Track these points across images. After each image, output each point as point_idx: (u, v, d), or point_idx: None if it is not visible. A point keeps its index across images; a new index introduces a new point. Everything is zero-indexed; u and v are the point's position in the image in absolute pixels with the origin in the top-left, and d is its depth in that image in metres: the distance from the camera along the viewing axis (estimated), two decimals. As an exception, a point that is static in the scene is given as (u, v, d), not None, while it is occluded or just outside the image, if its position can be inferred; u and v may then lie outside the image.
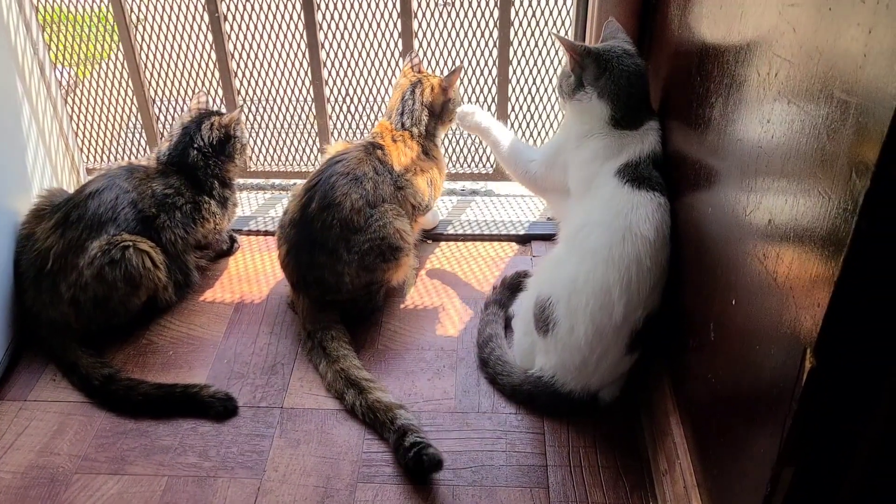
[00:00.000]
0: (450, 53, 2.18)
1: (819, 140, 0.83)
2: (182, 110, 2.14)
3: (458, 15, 2.13)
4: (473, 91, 2.24)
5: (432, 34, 2.15)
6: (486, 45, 2.15)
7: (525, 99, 2.24)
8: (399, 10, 2.08)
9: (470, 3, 2.11)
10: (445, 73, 2.20)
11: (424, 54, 2.17)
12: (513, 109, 2.22)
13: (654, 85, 1.63)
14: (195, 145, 1.90)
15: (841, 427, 0.89)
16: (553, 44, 2.12)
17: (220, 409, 1.63)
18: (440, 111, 1.96)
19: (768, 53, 0.98)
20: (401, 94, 1.95)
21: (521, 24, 2.09)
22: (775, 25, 0.96)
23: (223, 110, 2.11)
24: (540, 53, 2.14)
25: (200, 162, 1.90)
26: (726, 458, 1.16)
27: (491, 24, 2.11)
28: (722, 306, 1.17)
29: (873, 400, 0.86)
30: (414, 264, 2.01)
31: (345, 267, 1.73)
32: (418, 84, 1.95)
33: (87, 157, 2.36)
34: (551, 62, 2.17)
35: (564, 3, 2.07)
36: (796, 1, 0.90)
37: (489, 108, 2.24)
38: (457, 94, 1.99)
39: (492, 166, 2.31)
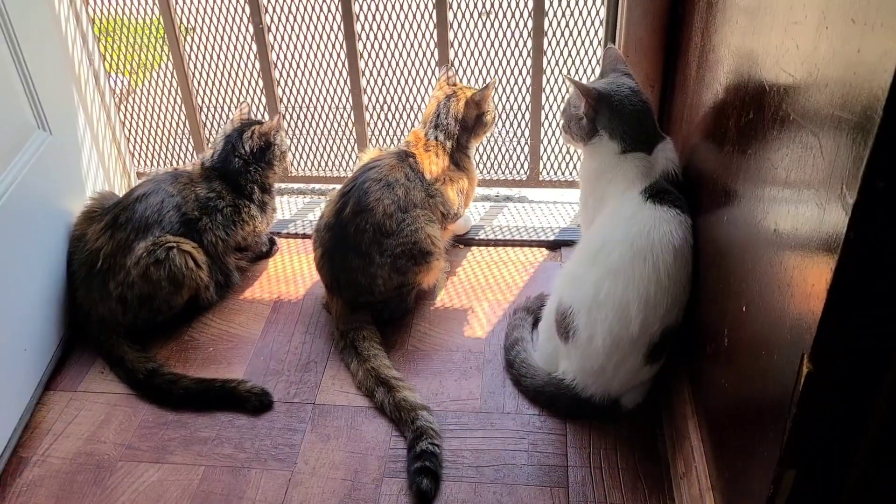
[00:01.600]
0: (484, 63, 2.23)
1: (815, 153, 0.86)
2: (227, 117, 2.24)
3: (492, 25, 2.18)
4: (508, 100, 2.29)
5: (468, 44, 2.20)
6: (521, 54, 2.20)
7: (559, 106, 2.27)
8: (435, 21, 2.14)
9: (504, 14, 2.16)
10: (480, 83, 2.27)
11: (459, 64, 2.23)
12: (546, 118, 2.26)
13: (681, 99, 1.67)
14: (237, 153, 1.99)
15: (840, 431, 0.92)
16: (584, 52, 2.16)
17: (256, 403, 1.70)
18: (473, 124, 2.01)
19: (776, 68, 1.02)
20: (435, 106, 2.00)
21: (554, 33, 2.14)
22: (781, 42, 0.99)
23: (265, 119, 2.19)
24: (573, 63, 2.18)
25: (242, 168, 1.99)
26: (737, 462, 1.19)
27: (525, 33, 2.15)
28: (735, 313, 1.20)
29: (870, 405, 0.88)
30: (445, 268, 2.06)
31: (377, 269, 1.79)
32: (452, 97, 2.00)
33: (138, 161, 2.47)
34: (584, 71, 2.20)
35: (598, 13, 2.10)
36: (799, 19, 0.93)
37: (523, 116, 2.29)
38: (490, 107, 2.03)
39: (525, 173, 2.36)
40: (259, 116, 2.25)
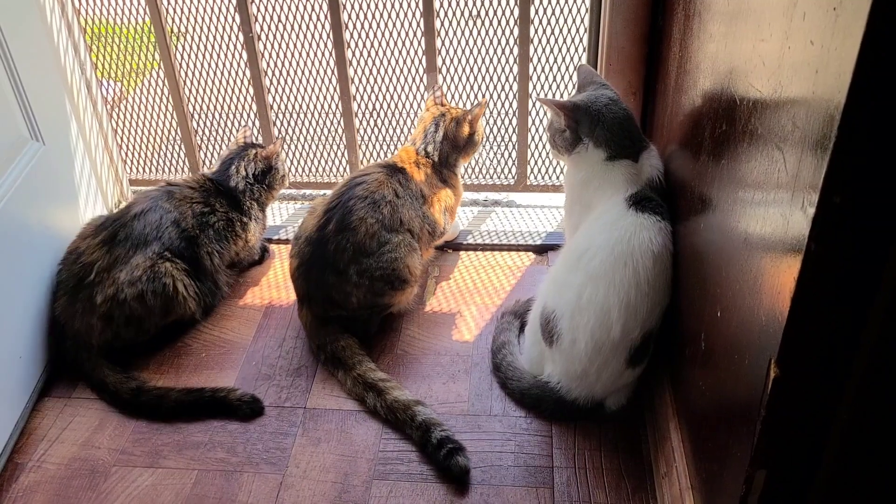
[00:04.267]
0: (472, 70, 2.27)
1: (780, 166, 0.90)
2: (218, 119, 2.28)
3: (479, 32, 2.22)
4: (495, 106, 2.33)
5: (455, 52, 2.24)
6: (507, 61, 2.23)
7: (546, 113, 2.31)
8: (423, 29, 2.18)
9: (490, 22, 2.20)
10: (467, 90, 2.30)
11: (447, 71, 2.26)
12: (533, 123, 2.30)
13: (661, 107, 1.71)
14: (238, 175, 2.05)
15: (807, 432, 0.96)
16: (570, 60, 2.19)
17: (247, 411, 1.73)
18: (464, 144, 2.04)
19: (745, 83, 1.05)
20: (426, 125, 2.04)
21: (539, 41, 2.17)
22: (750, 57, 1.03)
23: (261, 139, 2.24)
24: (559, 70, 2.22)
25: (244, 188, 2.06)
26: (714, 462, 1.22)
27: (511, 41, 2.19)
28: (710, 318, 1.23)
29: (835, 408, 0.92)
30: (434, 273, 2.10)
31: (353, 288, 1.80)
32: (441, 116, 2.03)
33: (130, 168, 2.50)
34: (569, 79, 2.24)
35: (582, 21, 2.14)
36: (765, 37, 0.97)
37: (511, 120, 2.33)
38: (480, 127, 2.06)
39: (513, 177, 2.39)
40: (251, 123, 2.29)
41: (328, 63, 2.29)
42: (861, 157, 0.75)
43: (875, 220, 0.78)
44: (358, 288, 1.80)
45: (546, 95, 2.27)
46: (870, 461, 0.97)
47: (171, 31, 2.24)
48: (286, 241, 2.30)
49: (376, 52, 2.29)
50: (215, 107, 2.44)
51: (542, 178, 2.41)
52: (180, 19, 2.27)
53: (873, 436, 0.94)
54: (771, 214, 0.93)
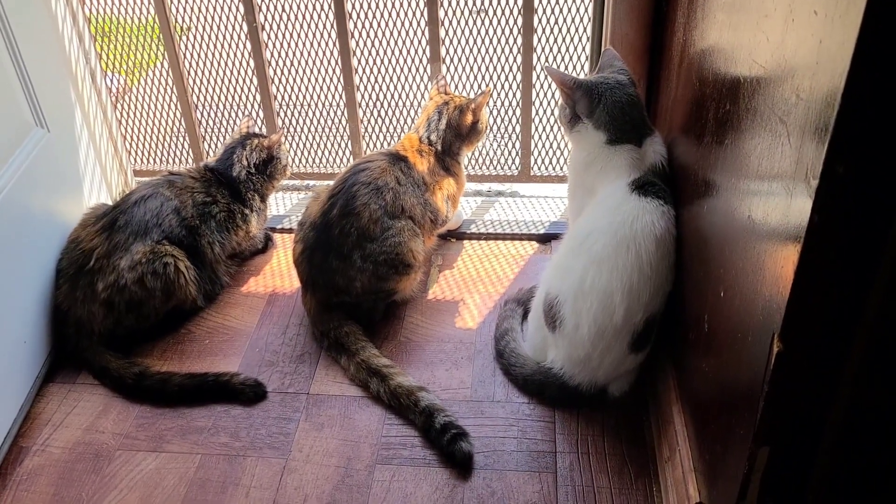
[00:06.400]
0: (475, 60, 2.27)
1: (784, 141, 0.90)
2: (224, 115, 2.28)
3: (482, 22, 2.22)
4: (499, 96, 2.33)
5: (458, 41, 2.24)
6: (511, 51, 2.23)
7: (549, 103, 2.31)
8: (426, 19, 2.18)
9: (495, 11, 2.20)
10: (471, 79, 2.30)
11: (451, 61, 2.26)
12: (536, 113, 2.30)
13: (665, 93, 1.71)
14: (240, 164, 2.06)
15: (810, 407, 0.96)
16: (573, 49, 2.19)
17: (250, 395, 1.74)
18: (467, 132, 2.04)
19: (749, 61, 1.05)
20: (429, 113, 2.04)
21: (543, 30, 2.17)
22: (753, 35, 1.03)
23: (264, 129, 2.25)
24: (563, 59, 2.22)
25: (245, 178, 2.06)
26: (716, 443, 1.22)
27: (515, 31, 2.19)
28: (714, 299, 1.23)
29: (837, 382, 0.92)
30: (437, 262, 2.10)
31: (357, 273, 1.81)
32: (445, 105, 2.03)
33: (134, 159, 2.50)
34: (573, 67, 2.24)
35: (586, 10, 2.14)
36: (769, 12, 0.97)
37: (514, 111, 2.33)
38: (484, 115, 2.06)
39: (517, 168, 2.39)
40: (254, 114, 2.29)
41: (332, 53, 2.29)
42: (865, 126, 0.75)
43: (877, 190, 0.78)
44: (362, 273, 1.80)
45: (551, 85, 2.27)
46: (871, 435, 0.97)
47: (176, 24, 2.25)
48: (290, 231, 2.30)
49: (380, 43, 2.29)
50: (219, 98, 2.45)
51: (546, 168, 2.41)
52: (185, 11, 2.27)
53: (875, 410, 0.94)
54: (775, 190, 0.93)
